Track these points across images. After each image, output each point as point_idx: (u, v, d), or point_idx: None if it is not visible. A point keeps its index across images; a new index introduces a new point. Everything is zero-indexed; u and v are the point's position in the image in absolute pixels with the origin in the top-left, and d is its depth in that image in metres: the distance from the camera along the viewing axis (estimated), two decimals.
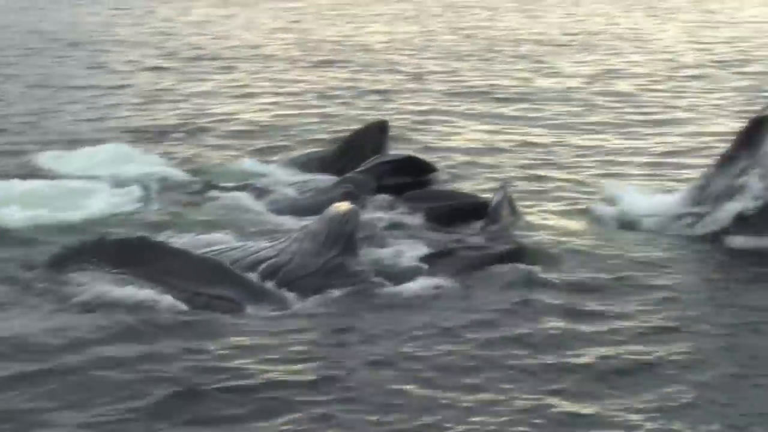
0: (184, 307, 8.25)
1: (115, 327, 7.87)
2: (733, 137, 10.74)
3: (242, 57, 25.70)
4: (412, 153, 13.65)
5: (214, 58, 25.41)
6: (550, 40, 30.43)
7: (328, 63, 24.81)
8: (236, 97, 19.88)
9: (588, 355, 7.28)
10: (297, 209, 11.50)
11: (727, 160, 10.38)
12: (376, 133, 13.64)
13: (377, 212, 11.09)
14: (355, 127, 14.71)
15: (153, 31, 31.57)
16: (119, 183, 12.51)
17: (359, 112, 18.05)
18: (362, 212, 10.39)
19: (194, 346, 7.51)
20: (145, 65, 23.98)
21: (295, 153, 14.61)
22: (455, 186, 12.84)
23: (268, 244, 9.40)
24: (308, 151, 14.54)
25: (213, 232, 10.35)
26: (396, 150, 13.92)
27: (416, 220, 10.95)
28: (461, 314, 8.16)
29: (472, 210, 11.13)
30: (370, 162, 12.79)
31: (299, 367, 7.18)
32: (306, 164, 13.66)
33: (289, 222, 10.98)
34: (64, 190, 11.92)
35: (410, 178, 12.59)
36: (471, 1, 45.62)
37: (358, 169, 12.59)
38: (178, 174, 13.25)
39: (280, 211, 11.52)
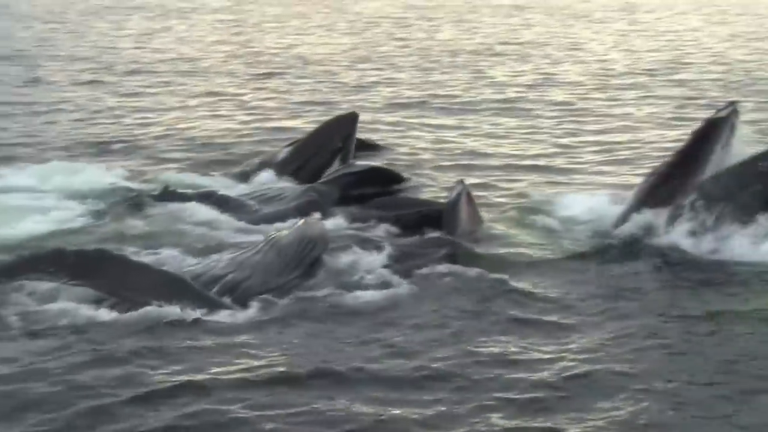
0: (138, 319, 8.23)
1: (63, 339, 7.87)
2: (672, 142, 10.97)
3: (181, 70, 25.60)
4: (377, 163, 13.71)
5: (152, 72, 25.26)
6: (487, 49, 30.84)
7: (268, 75, 24.84)
8: (176, 109, 19.82)
9: (536, 368, 7.36)
10: (259, 219, 11.51)
11: (674, 163, 10.54)
12: (347, 124, 13.80)
13: (341, 221, 11.13)
14: (296, 137, 14.84)
15: (89, 45, 31.24)
16: (66, 198, 12.37)
17: (299, 124, 18.11)
18: (326, 221, 10.61)
19: (142, 360, 7.48)
20: (82, 80, 23.73)
21: (239, 165, 14.60)
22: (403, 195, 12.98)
23: (229, 256, 9.36)
24: (260, 158, 14.51)
25: (172, 244, 10.35)
26: (363, 157, 14.16)
27: (379, 229, 10.99)
28: (412, 327, 8.23)
29: (438, 217, 11.13)
30: (334, 173, 12.87)
31: (248, 379, 7.19)
32: (261, 168, 13.67)
33: (252, 231, 10.97)
34: (8, 207, 11.77)
35: (375, 188, 12.67)
36: (408, 12, 45.98)
37: (322, 180, 12.66)
38: (126, 188, 13.14)
39: (241, 221, 11.48)
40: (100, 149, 15.85)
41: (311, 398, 6.84)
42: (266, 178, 13.37)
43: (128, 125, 18.03)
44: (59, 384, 7.06)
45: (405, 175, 13.72)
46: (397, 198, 12.63)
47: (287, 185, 12.98)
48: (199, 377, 7.17)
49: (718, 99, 20.51)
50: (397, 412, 6.68)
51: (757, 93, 21.49)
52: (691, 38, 34.62)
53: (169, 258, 9.76)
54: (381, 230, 10.94)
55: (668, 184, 10.40)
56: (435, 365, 7.37)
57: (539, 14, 46.13)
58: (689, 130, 16.75)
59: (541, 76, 24.74)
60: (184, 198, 12.19)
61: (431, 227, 10.76)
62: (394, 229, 10.96)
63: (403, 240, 10.54)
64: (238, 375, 7.23)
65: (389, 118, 18.82)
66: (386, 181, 13.16)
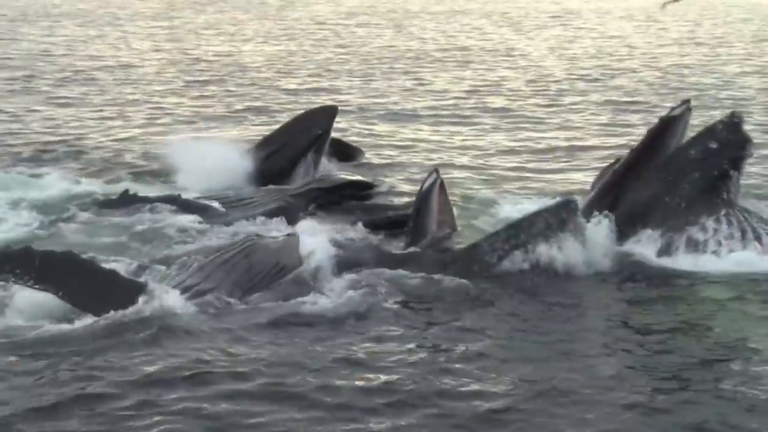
0: (97, 324, 8.13)
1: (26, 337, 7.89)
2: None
3: (118, 77, 25.17)
4: (349, 175, 13.59)
5: (86, 79, 24.80)
6: (426, 55, 30.96)
7: (204, 83, 24.56)
8: (110, 118, 19.45)
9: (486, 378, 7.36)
10: (226, 223, 11.38)
11: (629, 163, 10.55)
12: (327, 116, 13.87)
13: (310, 227, 11.00)
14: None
15: (20, 52, 30.57)
16: (19, 208, 12.05)
17: (237, 132, 17.96)
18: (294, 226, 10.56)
19: (100, 364, 7.43)
20: (13, 88, 23.21)
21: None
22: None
23: (197, 264, 9.18)
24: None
25: (136, 250, 10.25)
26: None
27: (349, 234, 10.90)
28: (368, 337, 8.18)
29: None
30: (305, 185, 12.78)
31: (204, 389, 7.12)
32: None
33: (219, 237, 10.86)
34: None
35: (345, 199, 12.65)
36: (346, 19, 45.97)
37: (292, 192, 12.53)
38: (80, 194, 12.88)
39: (207, 225, 11.30)
40: (37, 158, 15.50)
41: (265, 407, 6.80)
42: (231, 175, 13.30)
43: (66, 134, 17.65)
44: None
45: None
46: (366, 204, 12.56)
47: (254, 189, 12.92)
48: (154, 388, 7.08)
49: (653, 104, 20.93)
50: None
51: (691, 98, 21.86)
52: (625, 44, 35.15)
53: (134, 264, 9.63)
54: (350, 236, 10.83)
55: (623, 184, 10.46)
56: (389, 375, 7.34)
57: (477, 20, 46.47)
58: (627, 135, 17.42)
59: (481, 82, 24.90)
60: (146, 201, 11.89)
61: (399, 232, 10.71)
62: (362, 236, 10.87)
63: (368, 247, 10.49)
64: (188, 380, 7.14)
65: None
66: (358, 191, 13.10)
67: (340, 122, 18.58)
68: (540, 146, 17.08)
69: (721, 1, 59.32)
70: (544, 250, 9.42)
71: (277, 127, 14.80)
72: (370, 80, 25.33)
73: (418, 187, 10.82)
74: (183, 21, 43.98)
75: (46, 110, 20.14)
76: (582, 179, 13.97)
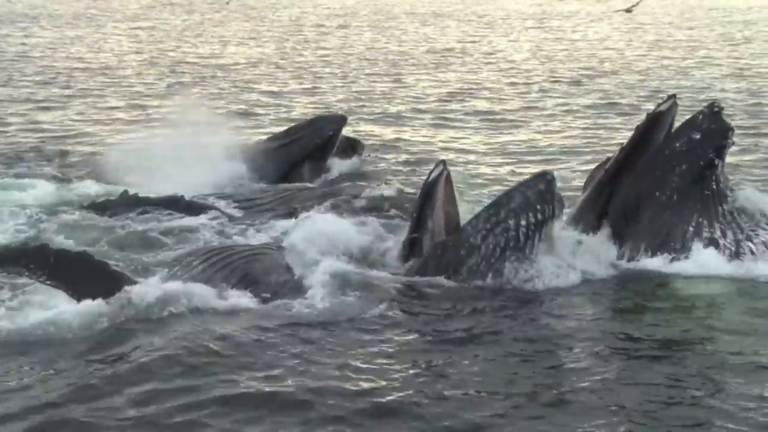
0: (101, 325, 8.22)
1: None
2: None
3: (99, 80, 25.10)
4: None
5: (67, 81, 24.71)
6: (406, 57, 31.07)
7: (186, 85, 24.52)
8: (92, 122, 19.37)
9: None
10: (233, 225, 11.40)
11: (619, 159, 10.42)
12: (338, 121, 14.59)
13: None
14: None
15: None
16: (19, 209, 11.94)
17: (222, 134, 17.91)
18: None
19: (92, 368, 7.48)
20: None
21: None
22: None
23: (201, 265, 9.20)
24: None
25: (143, 251, 10.28)
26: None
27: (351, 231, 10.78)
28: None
29: None
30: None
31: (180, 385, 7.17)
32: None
33: (225, 237, 10.91)
34: None
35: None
36: (327, 20, 46.04)
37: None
38: (74, 196, 12.80)
39: (214, 227, 11.27)
40: (19, 160, 15.39)
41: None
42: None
43: (48, 136, 17.54)
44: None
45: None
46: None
47: (260, 187, 13.08)
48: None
49: (635, 106, 21.10)
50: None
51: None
52: (604, 46, 35.42)
53: (142, 265, 9.69)
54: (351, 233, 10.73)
55: (614, 182, 10.42)
56: (383, 380, 7.32)
57: (456, 21, 46.68)
58: (608, 136, 17.55)
59: (462, 84, 25.02)
60: (149, 203, 11.80)
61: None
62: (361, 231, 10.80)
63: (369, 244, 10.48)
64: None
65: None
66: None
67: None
68: (521, 149, 17.18)
69: (699, 4, 59.94)
70: (524, 225, 9.20)
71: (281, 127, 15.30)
72: (352, 82, 25.40)
73: (424, 179, 10.67)
74: (163, 22, 43.89)
75: (27, 113, 20.03)
76: (562, 182, 14.05)
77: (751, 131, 18.09)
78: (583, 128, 19.09)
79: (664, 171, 9.99)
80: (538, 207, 9.16)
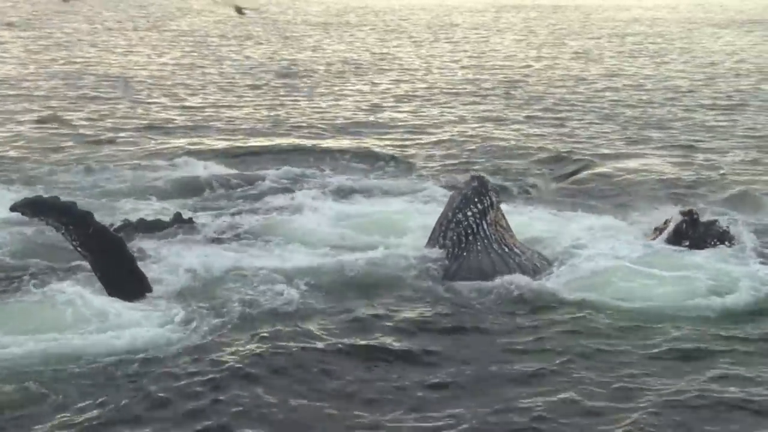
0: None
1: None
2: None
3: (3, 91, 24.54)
4: None
5: None
6: (320, 68, 31.28)
7: (93, 98, 24.12)
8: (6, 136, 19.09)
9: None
10: None
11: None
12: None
13: None
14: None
15: None
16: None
17: (140, 149, 17.97)
18: None
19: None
20: None
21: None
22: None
23: None
24: None
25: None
26: None
27: None
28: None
29: None
30: None
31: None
32: None
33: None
34: None
35: None
36: (234, 30, 45.77)
37: None
38: None
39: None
40: None
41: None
42: None
43: None
44: None
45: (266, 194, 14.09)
46: None
47: None
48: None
49: (528, 116, 21.93)
50: None
51: (572, 108, 23.15)
52: (503, 55, 36.43)
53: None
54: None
55: None
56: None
57: (368, 32, 47.16)
58: (501, 146, 18.24)
59: (372, 96, 25.51)
60: (161, 226, 11.78)
61: None
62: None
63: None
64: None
65: (221, 144, 18.77)
66: None
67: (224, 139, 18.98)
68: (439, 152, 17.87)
69: (596, 15, 61.90)
70: (470, 221, 10.49)
71: None
72: (267, 93, 25.49)
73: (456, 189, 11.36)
74: (52, 30, 42.71)
75: None
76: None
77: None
78: (470, 136, 19.74)
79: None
80: (477, 205, 10.54)
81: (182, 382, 7.60)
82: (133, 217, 12.15)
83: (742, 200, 14.25)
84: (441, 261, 10.49)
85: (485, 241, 10.42)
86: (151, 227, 11.64)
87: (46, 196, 9.68)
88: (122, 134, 19.31)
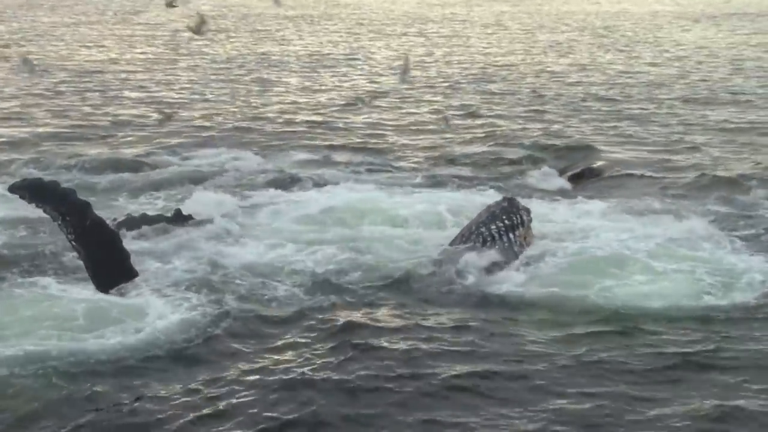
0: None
1: None
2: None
3: None
4: None
5: None
6: (278, 60, 31.14)
7: (59, 93, 23.75)
8: None
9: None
10: None
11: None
12: None
13: None
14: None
15: None
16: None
17: (107, 145, 17.75)
18: None
19: None
20: None
21: None
22: None
23: None
24: None
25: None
26: None
27: None
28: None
29: None
30: None
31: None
32: None
33: None
34: None
35: None
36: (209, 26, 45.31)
37: None
38: None
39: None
40: None
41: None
42: None
43: None
44: None
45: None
46: None
47: None
48: None
49: (497, 114, 21.90)
50: None
51: (545, 101, 23.19)
52: (472, 50, 36.44)
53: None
54: None
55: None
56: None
57: (339, 26, 47.02)
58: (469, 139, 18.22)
59: (346, 90, 25.40)
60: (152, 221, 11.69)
61: None
62: None
63: None
64: None
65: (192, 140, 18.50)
66: None
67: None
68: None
69: (565, 8, 62.16)
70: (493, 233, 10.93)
71: None
72: (211, 91, 25.00)
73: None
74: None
75: None
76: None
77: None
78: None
79: None
80: (503, 217, 10.88)
81: (180, 380, 7.57)
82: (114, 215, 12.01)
83: (716, 189, 14.36)
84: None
85: (506, 243, 10.61)
86: (150, 222, 11.61)
87: (46, 180, 9.44)
88: (91, 131, 19.11)
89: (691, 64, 31.99)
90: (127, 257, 9.23)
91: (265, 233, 11.70)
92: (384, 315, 9.15)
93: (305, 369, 7.81)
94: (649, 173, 15.75)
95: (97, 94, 23.76)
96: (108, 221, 9.99)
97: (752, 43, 38.93)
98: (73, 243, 8.87)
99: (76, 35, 38.55)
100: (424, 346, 8.35)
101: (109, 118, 20.48)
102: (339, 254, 10.75)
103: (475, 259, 10.25)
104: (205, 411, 7.10)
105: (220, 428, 6.85)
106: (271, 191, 13.88)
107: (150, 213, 12.18)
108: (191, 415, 7.01)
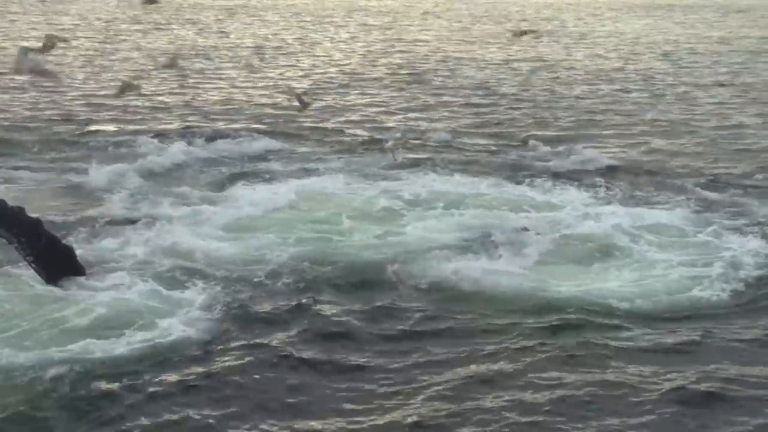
0: None
1: None
2: None
3: None
4: None
5: None
6: (228, 54, 30.81)
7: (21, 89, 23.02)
8: None
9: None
10: None
11: None
12: None
13: None
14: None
15: None
16: None
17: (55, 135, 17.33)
18: None
19: None
20: None
21: None
22: None
23: None
24: None
25: None
26: None
27: None
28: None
29: None
30: None
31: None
32: None
33: None
34: None
35: None
36: (145, 17, 44.70)
37: None
38: None
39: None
40: None
41: None
42: None
43: None
44: None
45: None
46: None
47: None
48: None
49: (445, 104, 21.95)
50: None
51: (490, 94, 23.30)
52: (413, 38, 36.48)
53: None
54: None
55: None
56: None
57: (275, 17, 46.69)
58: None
59: (289, 81, 25.19)
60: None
61: None
62: None
63: None
64: None
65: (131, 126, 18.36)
66: None
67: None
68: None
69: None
70: None
71: None
72: (187, 79, 24.84)
73: None
74: None
75: None
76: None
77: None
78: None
79: None
80: None
81: (178, 377, 7.55)
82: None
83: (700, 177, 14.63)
84: None
85: None
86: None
87: None
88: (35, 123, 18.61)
89: (636, 53, 32.41)
90: (83, 272, 9.06)
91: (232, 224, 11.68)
92: (358, 308, 9.10)
93: (286, 360, 7.85)
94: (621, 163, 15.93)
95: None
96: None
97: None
98: (33, 265, 8.62)
99: (11, 28, 37.54)
100: (397, 334, 8.45)
101: (50, 113, 19.93)
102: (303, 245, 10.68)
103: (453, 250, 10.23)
104: (183, 408, 7.05)
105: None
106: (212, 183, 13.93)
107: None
108: (176, 411, 7.02)
